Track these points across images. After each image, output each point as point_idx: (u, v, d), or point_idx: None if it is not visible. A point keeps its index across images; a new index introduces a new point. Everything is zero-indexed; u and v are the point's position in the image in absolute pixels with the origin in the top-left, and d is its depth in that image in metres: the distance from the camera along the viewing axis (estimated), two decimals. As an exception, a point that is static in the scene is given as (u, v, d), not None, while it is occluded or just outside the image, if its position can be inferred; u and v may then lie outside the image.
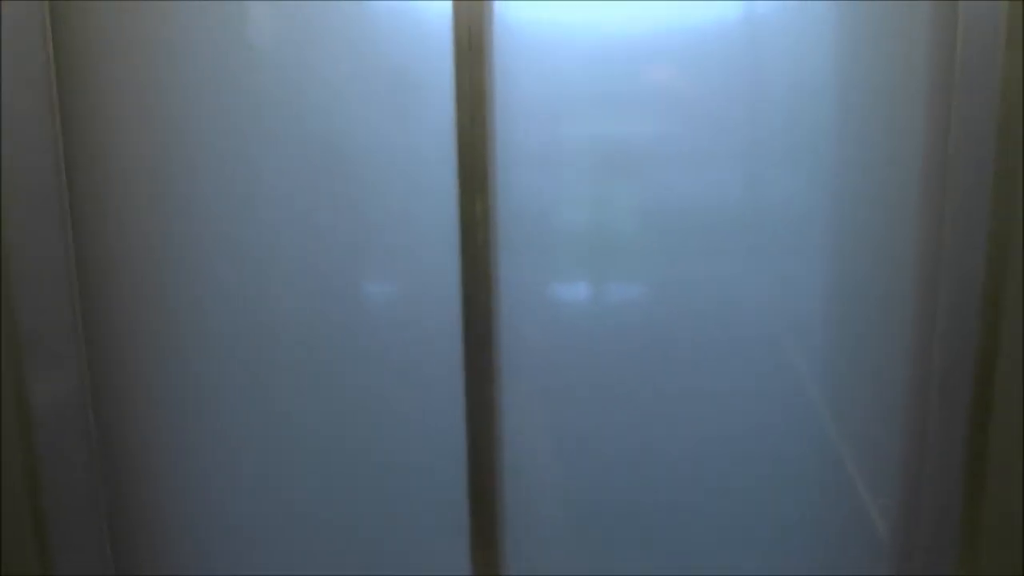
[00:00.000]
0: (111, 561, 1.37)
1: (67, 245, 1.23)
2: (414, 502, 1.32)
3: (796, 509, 1.25)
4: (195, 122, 1.22)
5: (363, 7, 1.18)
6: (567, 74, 1.17)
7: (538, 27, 1.17)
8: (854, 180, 1.17)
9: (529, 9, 1.16)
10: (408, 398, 1.28)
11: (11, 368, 1.18)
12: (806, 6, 1.13)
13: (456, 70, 1.15)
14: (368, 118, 1.21)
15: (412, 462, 1.31)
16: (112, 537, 1.37)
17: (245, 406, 1.32)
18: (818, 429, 1.22)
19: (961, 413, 1.07)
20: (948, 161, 1.10)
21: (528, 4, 1.16)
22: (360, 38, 1.18)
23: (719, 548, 1.28)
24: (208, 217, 1.25)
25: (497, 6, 1.15)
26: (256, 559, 1.39)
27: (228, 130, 1.22)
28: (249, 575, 1.39)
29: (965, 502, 1.05)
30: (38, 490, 1.22)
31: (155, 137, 1.22)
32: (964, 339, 1.08)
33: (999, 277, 1.01)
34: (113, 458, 1.35)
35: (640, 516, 1.29)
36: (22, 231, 1.16)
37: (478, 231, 1.19)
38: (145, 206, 1.25)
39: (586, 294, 1.26)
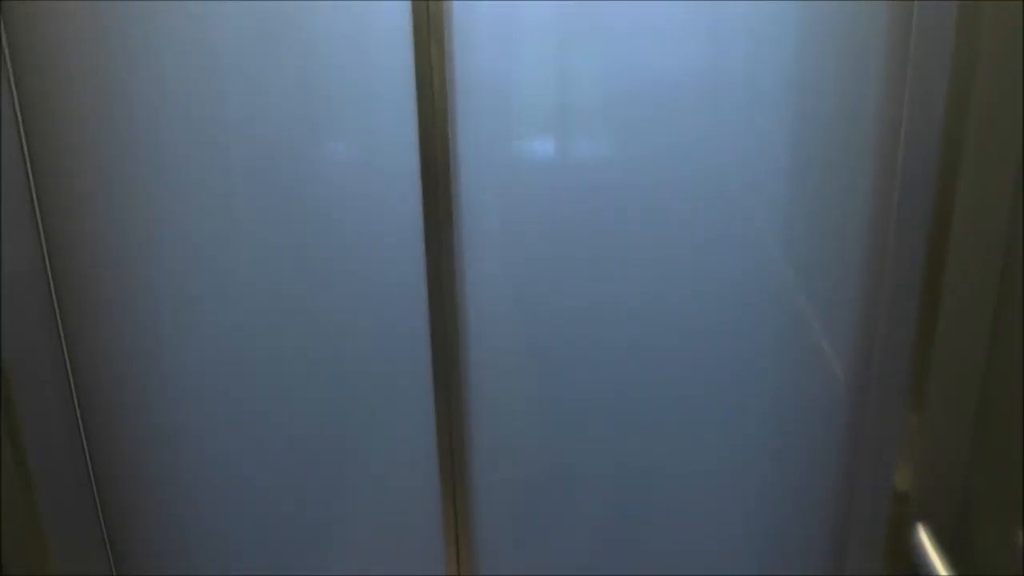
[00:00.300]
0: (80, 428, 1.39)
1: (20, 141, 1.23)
2: (377, 353, 1.32)
3: (756, 352, 1.26)
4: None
5: None
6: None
7: None
8: (817, 49, 1.15)
9: None
10: (366, 253, 1.27)
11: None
12: None
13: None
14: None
15: (372, 316, 1.30)
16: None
17: (203, 272, 1.31)
18: (778, 279, 1.22)
19: (917, 260, 1.07)
20: (913, 22, 1.09)
21: None
22: None
23: (677, 384, 1.30)
24: (160, 80, 1.22)
25: None
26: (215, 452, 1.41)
27: None
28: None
29: (916, 344, 1.07)
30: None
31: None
32: (922, 190, 1.08)
33: (956, 150, 1.02)
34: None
35: (600, 363, 1.30)
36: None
37: (434, 78, 1.17)
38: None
39: (546, 150, 1.24)
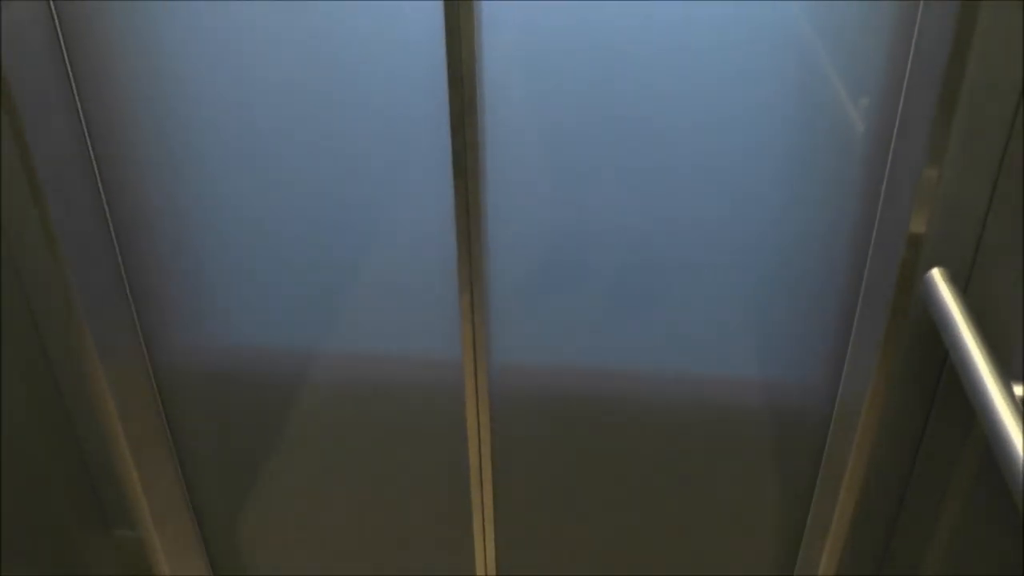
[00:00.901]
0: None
1: None
2: (393, 99, 1.32)
3: (777, 102, 1.24)
4: None
5: None
6: None
7: None
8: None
9: None
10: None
11: None
12: None
13: None
14: None
15: (388, 62, 1.28)
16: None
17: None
18: (801, 31, 1.18)
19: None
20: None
21: None
22: None
23: (692, 135, 1.29)
24: None
25: None
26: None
27: None
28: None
29: (940, 97, 1.06)
30: None
31: None
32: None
33: None
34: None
35: (616, 109, 1.28)
36: None
37: None
38: None
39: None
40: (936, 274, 1.14)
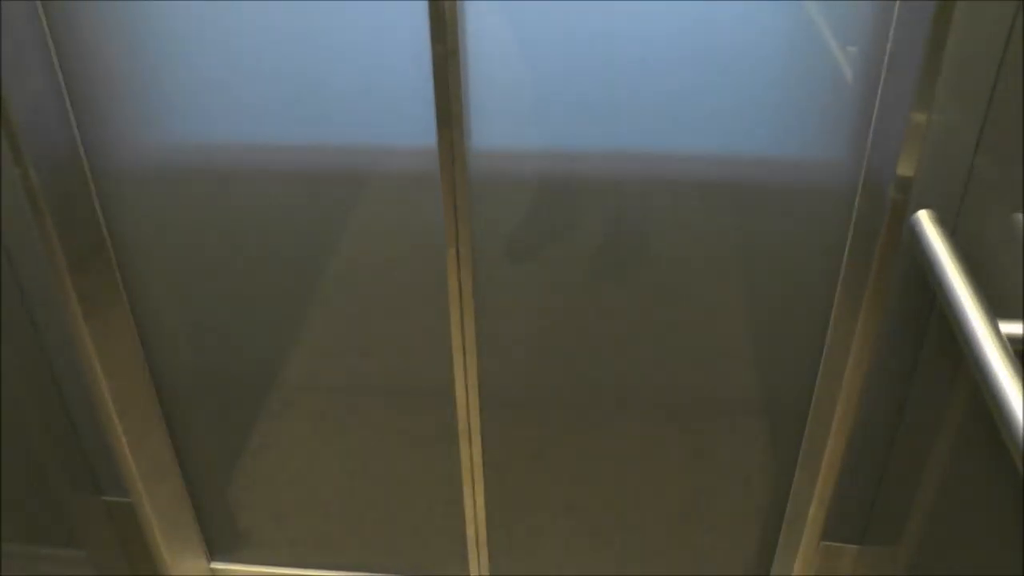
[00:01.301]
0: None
1: None
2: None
3: (766, 48, 1.22)
4: None
5: None
6: None
7: None
8: None
9: None
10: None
11: None
12: None
13: None
14: None
15: None
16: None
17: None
18: None
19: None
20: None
21: None
22: None
23: (681, 67, 1.26)
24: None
25: None
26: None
27: None
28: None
29: (929, 42, 1.06)
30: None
31: None
32: None
33: None
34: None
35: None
36: None
37: None
38: None
39: None
40: (923, 216, 1.16)
